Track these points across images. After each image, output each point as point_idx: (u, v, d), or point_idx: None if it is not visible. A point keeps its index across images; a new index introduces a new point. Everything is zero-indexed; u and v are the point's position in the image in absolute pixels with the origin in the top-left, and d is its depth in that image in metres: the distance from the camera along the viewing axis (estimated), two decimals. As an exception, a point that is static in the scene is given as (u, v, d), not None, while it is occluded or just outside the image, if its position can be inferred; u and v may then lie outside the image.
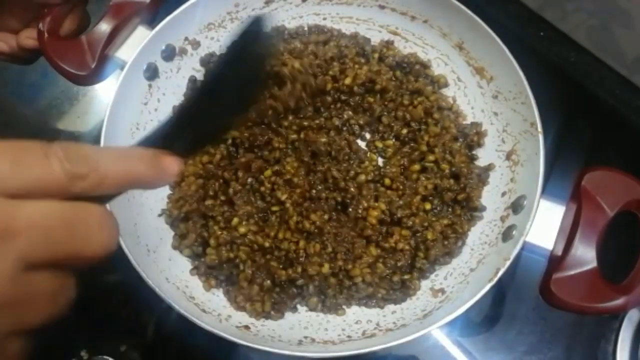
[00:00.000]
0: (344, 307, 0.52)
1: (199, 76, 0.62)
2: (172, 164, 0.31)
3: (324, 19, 0.64)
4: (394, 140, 0.58)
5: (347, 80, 0.57)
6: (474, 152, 0.58)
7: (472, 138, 0.57)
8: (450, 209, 0.55)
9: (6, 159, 0.24)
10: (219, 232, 0.52)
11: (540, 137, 0.51)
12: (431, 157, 0.55)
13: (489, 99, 0.59)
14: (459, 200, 0.54)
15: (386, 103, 0.58)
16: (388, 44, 0.63)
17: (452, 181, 0.55)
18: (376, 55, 0.61)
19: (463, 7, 0.57)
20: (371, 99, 0.58)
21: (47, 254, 0.25)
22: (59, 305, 0.26)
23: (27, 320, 0.25)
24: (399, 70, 0.61)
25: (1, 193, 0.24)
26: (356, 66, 0.59)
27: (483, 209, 0.54)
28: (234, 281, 0.52)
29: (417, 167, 0.55)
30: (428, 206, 0.54)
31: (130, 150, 0.31)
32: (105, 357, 0.54)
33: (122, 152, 0.30)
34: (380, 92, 0.58)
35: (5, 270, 0.23)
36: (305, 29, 0.64)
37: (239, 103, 0.37)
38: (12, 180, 0.24)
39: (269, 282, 0.51)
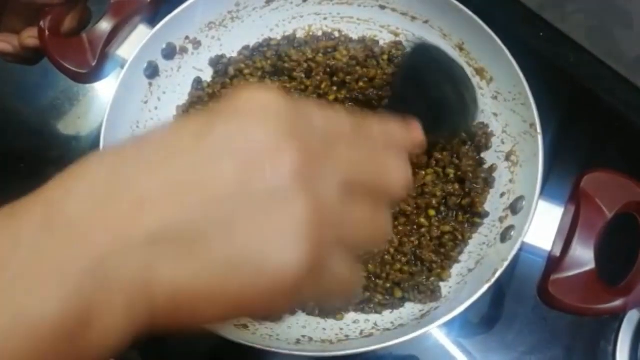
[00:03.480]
0: (342, 312, 0.52)
1: (202, 76, 0.62)
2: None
3: (325, 18, 0.64)
4: None
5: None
6: (482, 156, 0.57)
7: (480, 140, 0.57)
8: (454, 215, 0.55)
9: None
10: None
11: (540, 139, 0.51)
12: (441, 163, 0.55)
13: (488, 99, 0.58)
14: (462, 206, 0.54)
15: None
16: (396, 45, 0.62)
17: (457, 185, 0.55)
18: (385, 57, 0.61)
19: (463, 7, 0.57)
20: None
21: (362, 178, 0.27)
22: (376, 238, 0.29)
23: (349, 242, 0.27)
24: None
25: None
26: (372, 71, 0.59)
27: (485, 215, 0.54)
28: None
29: (430, 177, 0.55)
30: (432, 213, 0.54)
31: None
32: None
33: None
34: None
35: (333, 185, 0.26)
36: (319, 34, 0.64)
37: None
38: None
39: None
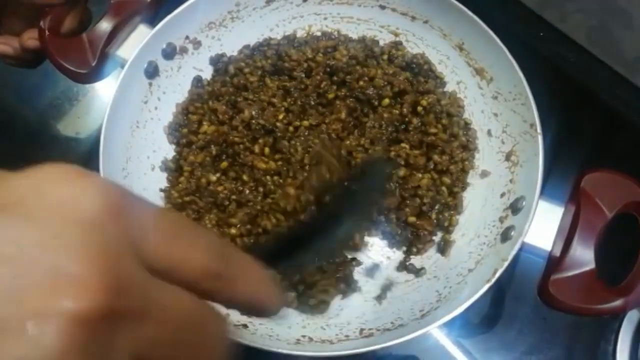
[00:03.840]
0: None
1: (203, 75, 0.62)
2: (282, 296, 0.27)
3: (325, 18, 0.64)
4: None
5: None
6: (481, 156, 0.58)
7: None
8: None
9: (166, 229, 0.21)
10: (210, 227, 0.52)
11: (540, 138, 0.51)
12: (439, 167, 0.56)
13: (489, 99, 0.58)
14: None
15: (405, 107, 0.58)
16: (397, 45, 0.63)
17: (450, 198, 0.56)
18: (385, 57, 0.61)
19: (463, 7, 0.57)
20: (397, 106, 0.58)
21: (164, 352, 0.20)
22: None
23: None
24: (408, 71, 0.61)
25: (147, 265, 0.19)
26: (372, 70, 0.59)
27: None
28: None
29: (425, 181, 0.55)
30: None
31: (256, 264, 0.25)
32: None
33: (252, 261, 0.24)
34: (398, 94, 0.58)
35: None
36: (319, 34, 0.64)
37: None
38: (163, 254, 0.20)
39: None
